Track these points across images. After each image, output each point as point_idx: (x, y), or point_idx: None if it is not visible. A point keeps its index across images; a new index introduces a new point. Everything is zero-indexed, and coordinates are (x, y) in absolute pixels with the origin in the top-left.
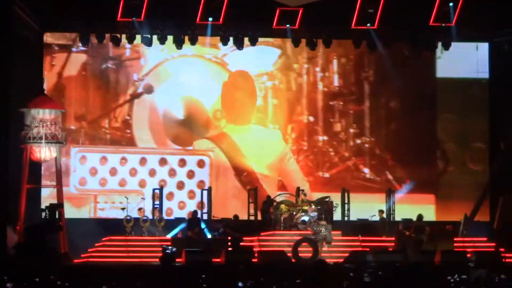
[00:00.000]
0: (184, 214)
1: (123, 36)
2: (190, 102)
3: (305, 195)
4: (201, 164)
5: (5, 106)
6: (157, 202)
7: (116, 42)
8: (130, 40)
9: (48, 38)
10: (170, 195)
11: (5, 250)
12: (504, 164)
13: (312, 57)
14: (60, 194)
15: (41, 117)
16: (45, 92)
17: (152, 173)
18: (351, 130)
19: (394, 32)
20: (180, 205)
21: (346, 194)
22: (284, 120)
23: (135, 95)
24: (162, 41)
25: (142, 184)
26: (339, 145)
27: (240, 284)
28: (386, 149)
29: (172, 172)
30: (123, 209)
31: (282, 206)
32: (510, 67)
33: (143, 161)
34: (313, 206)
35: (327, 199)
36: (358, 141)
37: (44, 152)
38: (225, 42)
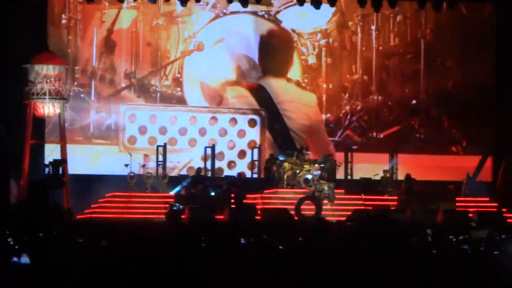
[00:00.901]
0: (234, 174)
1: None
2: (241, 60)
3: (303, 155)
4: (252, 123)
5: (7, 62)
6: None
7: None
8: None
9: None
10: (220, 155)
11: (8, 205)
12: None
13: (367, 15)
14: (64, 150)
15: (45, 73)
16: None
17: (203, 132)
18: (406, 90)
19: None
20: (231, 165)
21: (349, 153)
22: (338, 79)
23: (186, 53)
24: None
25: (192, 143)
26: (394, 105)
27: (242, 241)
28: (442, 110)
29: (222, 132)
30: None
31: (286, 164)
32: None
33: (193, 120)
34: (316, 165)
35: (330, 157)
36: (414, 101)
37: (47, 108)
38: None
